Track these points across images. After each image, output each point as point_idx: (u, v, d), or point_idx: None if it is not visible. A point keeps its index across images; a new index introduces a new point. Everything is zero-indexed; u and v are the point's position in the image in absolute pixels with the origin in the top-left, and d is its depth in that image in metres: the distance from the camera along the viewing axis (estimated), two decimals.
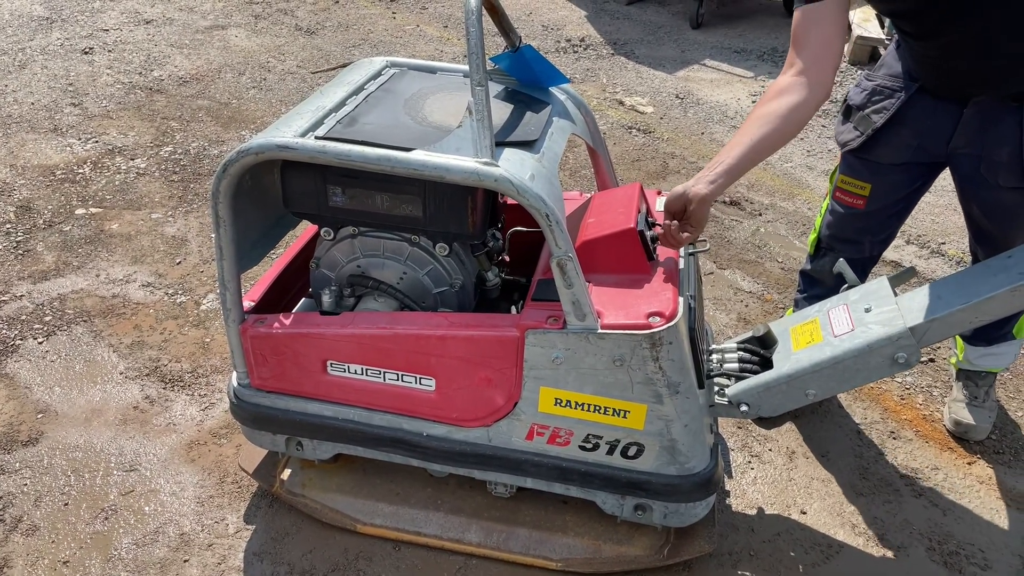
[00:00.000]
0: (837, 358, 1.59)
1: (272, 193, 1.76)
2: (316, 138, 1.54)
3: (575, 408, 1.62)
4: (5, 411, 2.27)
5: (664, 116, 4.27)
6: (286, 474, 1.99)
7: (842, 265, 1.79)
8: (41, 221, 3.14)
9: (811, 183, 3.65)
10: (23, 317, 2.63)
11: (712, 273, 2.99)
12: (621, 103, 4.41)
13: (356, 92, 1.79)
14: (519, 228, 1.97)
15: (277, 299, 1.94)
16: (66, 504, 2.00)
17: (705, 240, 1.83)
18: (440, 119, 1.67)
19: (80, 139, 3.76)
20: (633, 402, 1.58)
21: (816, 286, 2.23)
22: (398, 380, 1.71)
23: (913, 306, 1.61)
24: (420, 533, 1.88)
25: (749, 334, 1.81)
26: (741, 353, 1.79)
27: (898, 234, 3.17)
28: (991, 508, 2.07)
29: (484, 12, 1.60)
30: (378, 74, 1.91)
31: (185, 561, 1.87)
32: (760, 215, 3.38)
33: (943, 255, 3.13)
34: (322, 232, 1.80)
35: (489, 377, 1.64)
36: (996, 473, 2.17)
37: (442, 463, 1.79)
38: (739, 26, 5.57)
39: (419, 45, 5.12)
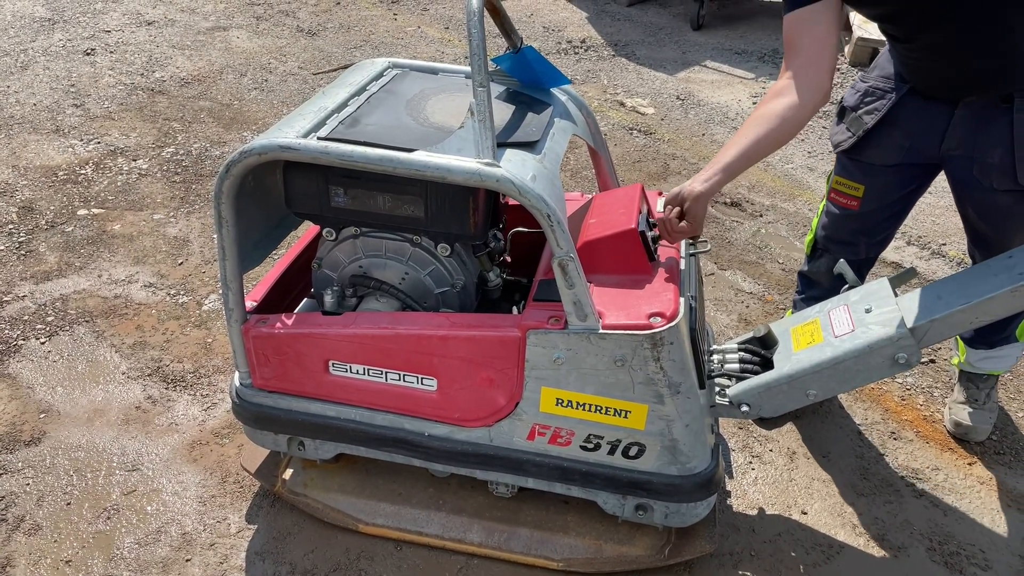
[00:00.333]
0: (838, 358, 1.60)
1: (274, 194, 1.77)
2: (318, 139, 1.55)
3: (576, 408, 1.63)
4: (8, 411, 2.28)
5: (665, 117, 4.27)
6: (288, 474, 2.00)
7: (842, 266, 1.79)
8: (43, 222, 3.15)
9: (812, 184, 3.65)
10: (25, 317, 2.64)
11: (713, 274, 3.00)
12: (622, 104, 4.41)
13: (358, 93, 1.80)
14: (520, 229, 1.98)
15: (279, 299, 1.95)
16: (68, 504, 2.00)
17: (706, 241, 1.83)
18: (442, 120, 1.67)
19: (82, 140, 3.77)
20: (634, 402, 1.58)
21: (814, 287, 2.24)
22: (400, 380, 1.71)
23: (913, 307, 1.61)
24: (422, 533, 1.89)
25: (750, 335, 1.82)
26: (742, 354, 1.79)
27: (899, 235, 3.21)
28: (992, 509, 2.07)
29: (486, 13, 1.61)
30: (380, 75, 1.92)
31: (187, 560, 1.87)
32: (761, 216, 3.39)
33: (944, 256, 3.13)
34: (324, 232, 1.81)
35: (491, 377, 1.64)
36: (997, 474, 2.17)
37: (444, 463, 1.79)
38: (740, 27, 5.58)
39: (420, 46, 5.12)
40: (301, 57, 4.86)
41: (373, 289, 1.80)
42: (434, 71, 1.98)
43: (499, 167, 1.44)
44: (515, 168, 1.47)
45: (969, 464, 2.20)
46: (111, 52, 4.77)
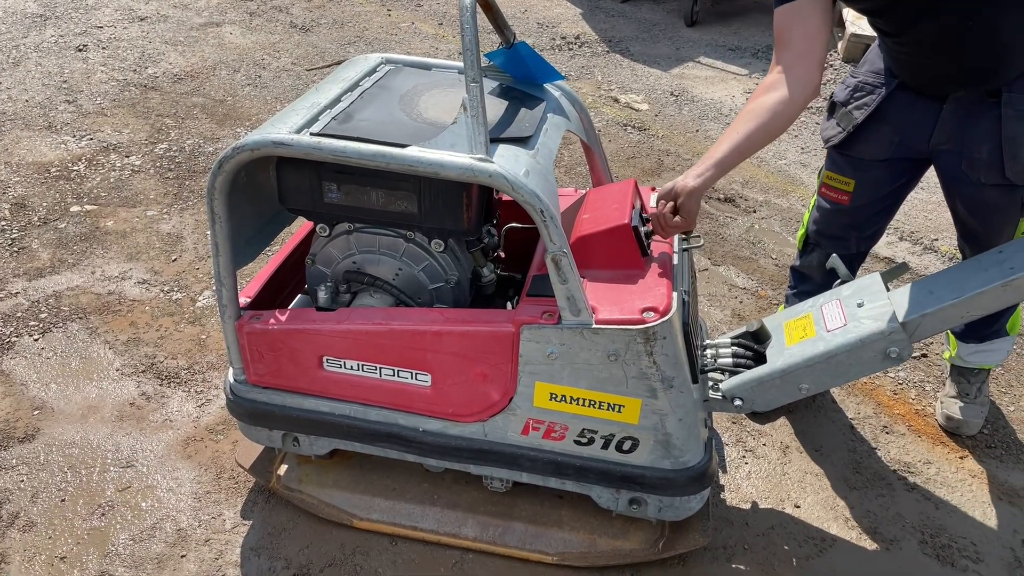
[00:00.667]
0: (830, 353, 1.61)
1: (268, 190, 1.77)
2: (311, 134, 1.55)
3: (570, 403, 1.63)
4: (1, 408, 2.27)
5: (659, 113, 4.28)
6: (283, 470, 2.00)
7: (835, 261, 1.80)
8: (36, 218, 3.14)
9: (805, 180, 3.66)
10: (19, 314, 2.63)
11: (707, 269, 3.00)
12: (616, 100, 4.41)
13: (351, 89, 1.80)
14: (514, 224, 1.98)
15: (273, 296, 1.95)
16: (63, 500, 2.00)
17: (699, 236, 1.84)
18: (435, 115, 1.67)
19: (75, 136, 3.76)
20: (628, 397, 1.59)
21: (806, 282, 2.25)
22: (394, 376, 1.72)
23: (905, 301, 1.62)
24: (417, 528, 1.89)
25: (743, 329, 1.83)
26: (735, 348, 1.80)
27: (892, 230, 3.23)
28: (983, 502, 2.09)
29: (479, 9, 1.61)
30: (373, 71, 1.92)
31: (182, 556, 1.87)
32: (754, 212, 3.40)
33: (936, 251, 3.15)
34: (318, 228, 1.81)
35: (485, 372, 1.64)
36: (988, 467, 2.19)
37: (438, 458, 1.80)
38: (733, 23, 5.59)
39: (414, 42, 5.12)
40: (294, 53, 4.84)
41: (367, 285, 1.80)
42: (427, 67, 1.98)
43: (492, 163, 1.45)
44: (508, 164, 1.47)
45: (961, 458, 2.22)
46: (103, 48, 4.75)
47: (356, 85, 1.82)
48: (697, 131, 4.10)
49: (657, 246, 1.75)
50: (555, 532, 1.87)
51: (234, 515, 1.98)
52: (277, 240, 2.77)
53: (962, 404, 2.27)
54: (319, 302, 1.80)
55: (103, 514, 1.97)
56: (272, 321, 1.73)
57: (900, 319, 1.57)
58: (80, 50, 4.69)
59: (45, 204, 3.23)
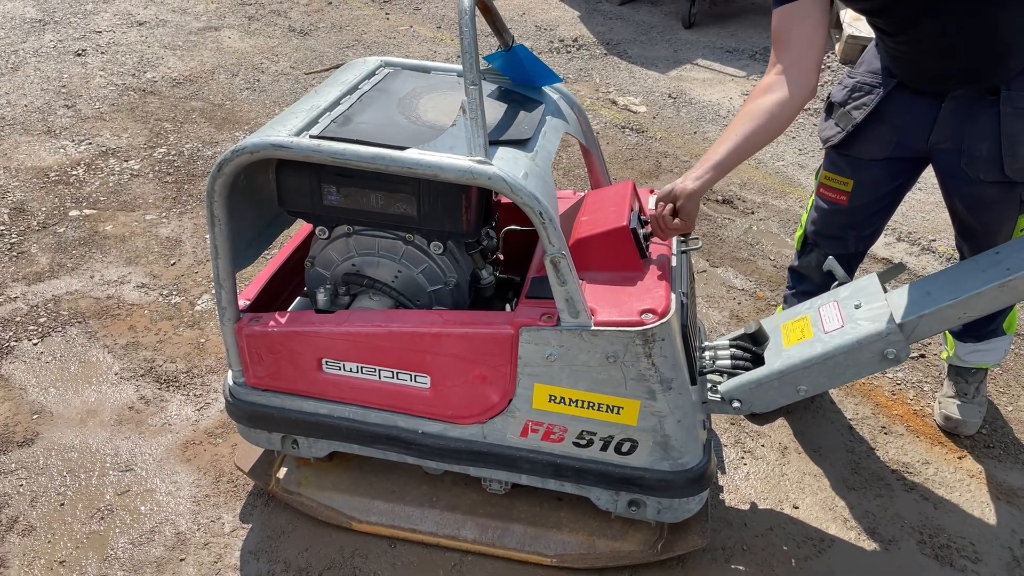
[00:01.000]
0: (827, 354, 1.61)
1: (267, 192, 1.77)
2: (311, 137, 1.55)
3: (569, 405, 1.63)
4: (0, 412, 2.27)
5: (657, 115, 4.29)
6: (282, 472, 2.00)
7: (831, 263, 1.81)
8: (35, 223, 3.14)
9: (803, 181, 3.67)
10: (18, 319, 2.63)
11: (705, 271, 3.01)
12: (614, 103, 4.42)
13: (350, 91, 1.80)
14: (513, 227, 1.98)
15: (272, 298, 1.95)
16: (62, 504, 2.00)
17: (697, 238, 1.85)
18: (434, 118, 1.68)
19: (73, 141, 3.76)
20: (626, 398, 1.59)
21: (804, 282, 2.25)
22: (393, 378, 1.72)
23: (902, 302, 1.63)
24: (416, 530, 1.89)
25: (741, 331, 1.83)
26: (733, 350, 1.80)
27: (890, 231, 3.24)
28: (981, 502, 2.09)
29: (477, 12, 1.62)
30: (372, 74, 1.92)
31: (181, 560, 1.87)
32: (752, 213, 3.40)
33: (933, 252, 3.16)
34: (317, 231, 1.81)
35: (484, 374, 1.65)
36: (986, 467, 2.19)
37: (437, 460, 1.80)
38: (731, 26, 5.60)
39: (413, 46, 5.13)
40: (293, 57, 4.85)
41: (366, 287, 1.80)
42: (426, 70, 1.99)
43: (491, 165, 1.45)
44: (507, 166, 1.47)
45: (959, 458, 2.22)
46: (102, 53, 4.75)
47: (355, 88, 1.83)
48: (695, 133, 4.11)
49: (655, 248, 1.76)
50: (554, 534, 1.87)
51: (233, 518, 1.98)
52: (276, 243, 2.78)
53: (960, 404, 2.27)
54: (318, 304, 1.80)
55: (102, 518, 1.97)
56: (271, 323, 1.73)
57: (897, 320, 1.57)
58: (79, 55, 4.70)
59: (44, 209, 3.23)
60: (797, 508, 2.05)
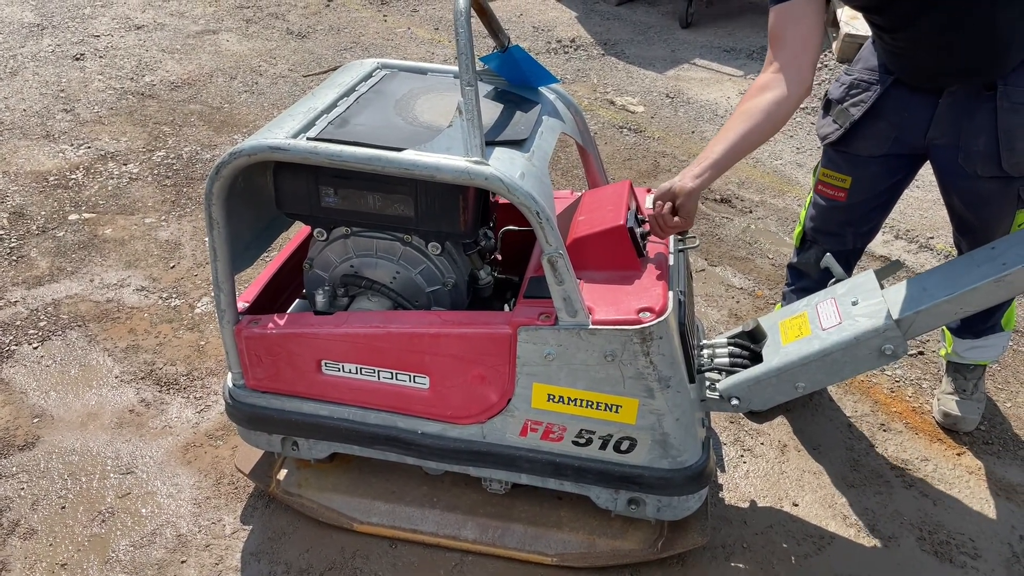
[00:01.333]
0: (825, 351, 1.61)
1: (265, 195, 1.78)
2: (308, 139, 1.56)
3: (568, 404, 1.64)
4: (1, 416, 2.28)
5: (655, 115, 4.29)
6: (282, 474, 2.00)
7: (829, 260, 1.81)
8: (34, 227, 3.15)
9: (800, 180, 3.67)
10: (18, 323, 2.64)
11: (703, 270, 3.01)
12: (612, 103, 4.43)
13: (347, 93, 1.81)
14: (511, 227, 1.99)
15: (271, 301, 1.96)
16: (63, 507, 2.01)
17: (695, 236, 1.85)
18: (431, 119, 1.68)
19: (72, 145, 3.76)
20: (625, 397, 1.60)
21: (803, 279, 2.26)
22: (392, 379, 1.72)
23: (899, 298, 1.63)
24: (416, 531, 1.90)
25: (739, 329, 1.83)
26: (731, 348, 1.81)
27: (888, 229, 3.24)
28: (980, 498, 2.09)
29: (473, 13, 1.62)
30: (369, 75, 1.93)
31: (183, 562, 1.88)
32: (750, 212, 3.41)
33: (931, 249, 3.16)
34: (315, 233, 1.82)
35: (482, 374, 1.65)
36: (985, 464, 2.20)
37: (437, 461, 1.80)
38: (728, 25, 5.61)
39: (410, 48, 5.13)
40: (291, 60, 4.86)
41: (364, 288, 1.81)
42: (423, 71, 1.99)
43: (488, 165, 1.46)
44: (504, 166, 1.48)
45: (958, 454, 2.23)
46: (100, 57, 4.76)
47: (352, 90, 1.83)
48: (693, 133, 4.11)
49: (653, 247, 1.76)
50: (554, 533, 1.87)
51: (234, 520, 1.98)
52: (275, 245, 2.78)
53: (959, 400, 2.28)
54: (317, 306, 1.81)
55: (103, 521, 1.97)
56: (270, 325, 1.74)
57: (895, 316, 1.58)
58: (77, 59, 4.71)
59: (43, 213, 3.24)
60: (797, 506, 2.06)
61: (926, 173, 2.00)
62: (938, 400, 2.34)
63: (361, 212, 1.70)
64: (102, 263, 2.96)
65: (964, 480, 2.15)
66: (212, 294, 1.74)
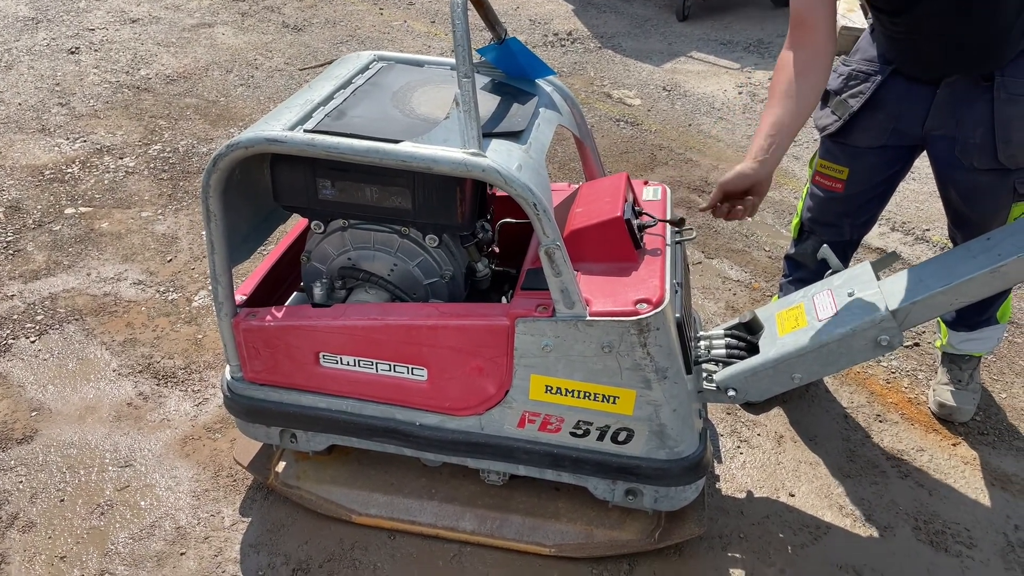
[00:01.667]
0: (822, 342, 1.62)
1: (262, 187, 1.78)
2: (305, 131, 1.56)
3: (565, 395, 1.64)
4: None
5: (652, 108, 4.29)
6: (281, 466, 2.01)
7: (826, 251, 1.82)
8: (31, 221, 3.14)
9: (797, 172, 3.68)
10: (15, 316, 2.64)
11: (700, 262, 3.02)
12: (609, 96, 4.43)
13: (344, 86, 1.80)
14: (508, 220, 1.99)
15: (269, 294, 1.96)
16: (62, 500, 2.01)
17: (691, 228, 1.86)
18: (428, 111, 1.68)
19: (68, 139, 3.76)
20: (622, 388, 1.60)
21: (800, 270, 2.27)
22: (390, 371, 1.73)
23: (895, 290, 1.64)
24: (415, 522, 1.91)
25: (736, 320, 1.84)
26: (728, 339, 1.82)
27: (884, 221, 3.25)
28: (976, 488, 2.11)
29: (470, 5, 1.62)
30: (366, 68, 1.92)
31: (182, 554, 1.88)
32: None
33: (927, 241, 3.17)
34: (312, 225, 1.82)
35: (480, 366, 1.66)
36: (980, 454, 2.21)
37: (435, 452, 1.81)
38: (724, 18, 5.60)
39: (406, 41, 5.12)
40: (287, 53, 4.85)
41: (362, 281, 1.81)
42: (419, 63, 1.99)
43: (485, 157, 1.46)
44: (501, 158, 1.48)
45: (953, 445, 2.24)
46: (96, 50, 4.74)
47: (349, 82, 1.83)
48: (690, 126, 4.11)
49: (650, 239, 1.77)
50: (552, 524, 1.88)
51: (233, 512, 1.99)
52: (272, 238, 2.78)
53: (954, 390, 2.29)
54: (315, 299, 1.81)
55: (102, 513, 1.98)
56: (268, 318, 1.74)
57: (890, 307, 1.58)
58: (72, 53, 4.69)
59: (39, 207, 3.23)
60: (793, 496, 2.07)
61: (922, 165, 2.01)
62: (933, 391, 2.35)
63: (358, 204, 1.70)
64: (99, 257, 2.95)
65: (959, 470, 2.16)
66: (210, 287, 1.74)
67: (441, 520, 1.90)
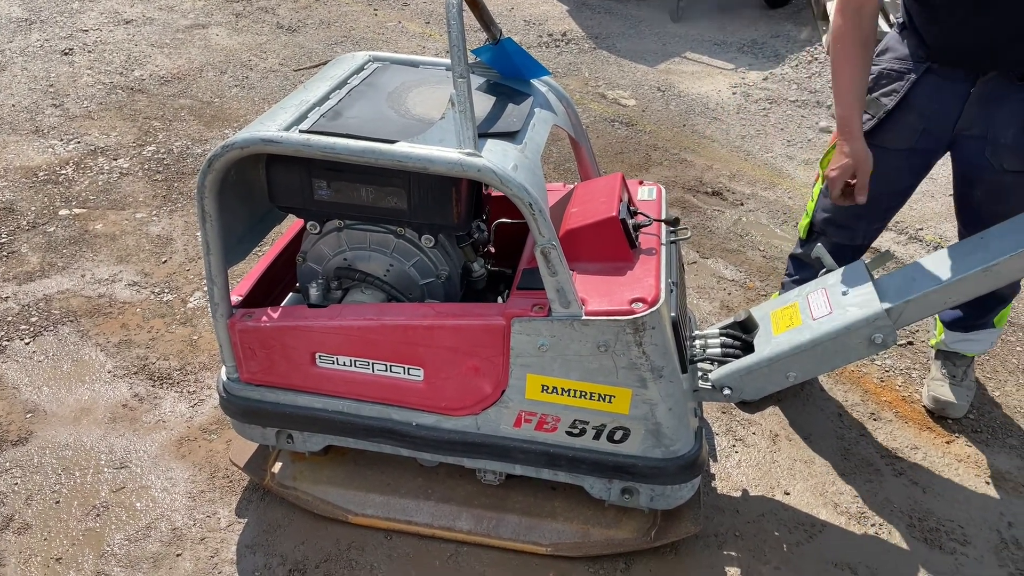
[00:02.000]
0: (816, 340, 1.63)
1: (258, 188, 1.78)
2: (300, 132, 1.56)
3: (561, 394, 1.65)
4: None
5: (646, 109, 4.30)
6: (277, 467, 2.01)
7: (820, 250, 1.82)
8: (25, 222, 3.13)
9: (792, 172, 3.69)
10: (9, 318, 2.63)
11: (695, 262, 3.03)
12: (603, 96, 4.43)
13: (339, 86, 1.81)
14: (504, 220, 2.00)
15: (264, 294, 1.96)
16: (57, 502, 2.00)
17: (686, 228, 1.86)
18: (423, 111, 1.69)
19: (62, 140, 3.74)
20: (618, 387, 1.61)
21: (805, 269, 2.24)
22: (386, 371, 1.73)
23: (889, 288, 1.65)
24: (411, 522, 1.91)
25: (731, 320, 1.85)
26: (723, 338, 1.82)
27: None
28: (970, 485, 2.12)
29: (465, 6, 1.62)
30: (361, 68, 1.93)
31: (178, 555, 1.88)
32: (742, 205, 3.42)
33: (920, 240, 3.19)
34: (308, 226, 1.82)
35: (476, 366, 1.66)
36: (974, 451, 2.22)
37: (431, 452, 1.81)
38: (719, 19, 5.61)
39: (401, 41, 5.12)
40: (281, 54, 4.84)
41: (358, 281, 1.81)
42: (415, 64, 1.99)
43: (480, 157, 1.46)
44: (496, 158, 1.48)
45: (947, 442, 2.25)
46: (89, 51, 4.73)
47: (344, 83, 1.83)
48: (684, 126, 4.12)
49: (645, 238, 1.77)
50: (549, 523, 1.88)
51: (229, 513, 1.98)
52: (268, 239, 2.78)
53: (950, 386, 2.29)
54: (311, 299, 1.81)
55: (98, 515, 1.97)
56: (264, 318, 1.74)
57: (884, 306, 1.59)
58: (66, 54, 4.67)
59: (33, 208, 3.22)
60: (788, 494, 2.08)
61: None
62: (928, 386, 2.35)
63: (354, 205, 1.70)
64: (93, 258, 2.95)
65: (953, 468, 2.17)
66: (205, 288, 1.74)
67: (437, 520, 1.90)
